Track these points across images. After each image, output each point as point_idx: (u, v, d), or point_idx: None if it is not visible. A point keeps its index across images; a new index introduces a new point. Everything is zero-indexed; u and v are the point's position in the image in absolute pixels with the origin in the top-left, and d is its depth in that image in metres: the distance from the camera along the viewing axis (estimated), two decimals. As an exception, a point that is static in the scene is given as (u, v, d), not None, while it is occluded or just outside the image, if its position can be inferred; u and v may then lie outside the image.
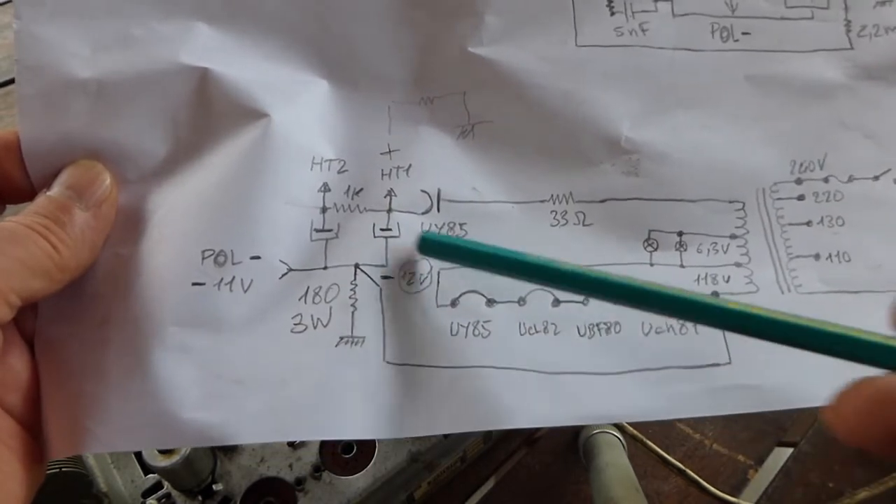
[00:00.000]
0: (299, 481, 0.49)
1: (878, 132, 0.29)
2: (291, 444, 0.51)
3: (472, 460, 0.61)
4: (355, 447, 0.51)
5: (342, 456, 0.51)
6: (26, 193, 0.26)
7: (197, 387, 0.25)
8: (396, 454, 0.52)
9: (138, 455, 0.48)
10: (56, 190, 0.25)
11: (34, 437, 0.25)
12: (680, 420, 0.65)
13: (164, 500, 0.47)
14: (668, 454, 0.55)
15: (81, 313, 0.26)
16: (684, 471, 0.54)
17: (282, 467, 0.50)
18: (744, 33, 0.29)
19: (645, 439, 0.56)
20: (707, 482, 0.54)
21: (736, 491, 0.60)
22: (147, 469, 0.48)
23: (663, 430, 0.64)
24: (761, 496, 0.60)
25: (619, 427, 0.57)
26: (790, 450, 0.63)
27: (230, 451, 0.50)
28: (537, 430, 0.65)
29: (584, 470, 0.60)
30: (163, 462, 0.44)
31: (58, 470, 0.44)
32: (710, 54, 0.29)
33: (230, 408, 0.25)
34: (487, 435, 0.60)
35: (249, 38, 0.28)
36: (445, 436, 0.53)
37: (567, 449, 0.64)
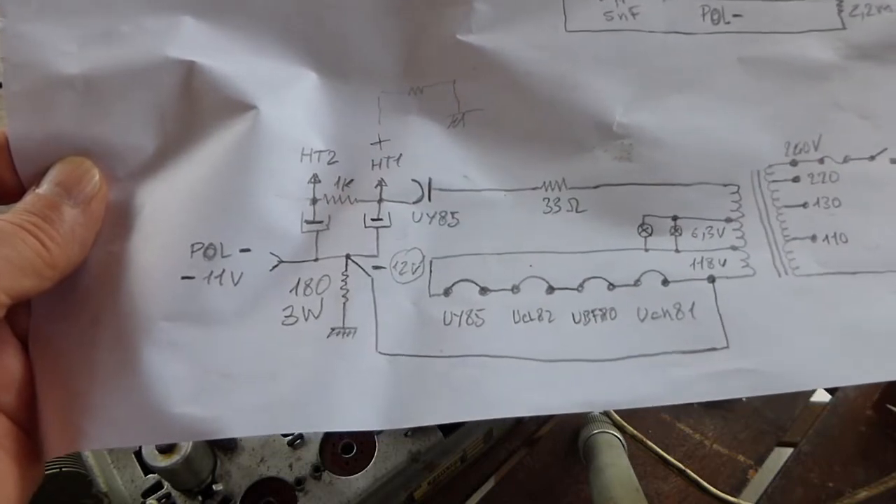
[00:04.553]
0: (299, 481, 0.49)
1: (873, 112, 0.29)
2: (291, 444, 0.51)
3: (472, 460, 0.61)
4: (355, 447, 0.51)
5: (342, 456, 0.51)
6: (17, 193, 0.26)
7: (188, 381, 0.25)
8: (396, 454, 0.52)
9: (138, 455, 0.48)
10: (45, 187, 0.25)
11: (30, 437, 0.25)
12: (680, 420, 0.65)
13: (164, 500, 0.48)
14: (668, 454, 0.54)
15: (74, 311, 0.26)
16: (684, 471, 0.54)
17: (282, 467, 0.50)
18: (735, 15, 0.29)
19: (645, 439, 0.55)
20: (707, 482, 0.53)
21: (736, 491, 0.60)
22: (147, 469, 0.48)
23: (663, 430, 0.64)
24: (761, 496, 0.59)
25: (619, 427, 0.57)
26: (790, 450, 0.63)
27: (230, 451, 0.50)
28: (538, 429, 0.65)
29: (584, 470, 0.60)
30: (163, 462, 0.44)
31: (58, 470, 0.44)
32: (701, 37, 0.29)
33: (221, 401, 0.25)
34: (487, 435, 0.60)
35: (237, 30, 0.28)
36: (445, 435, 0.53)
37: (567, 449, 0.64)
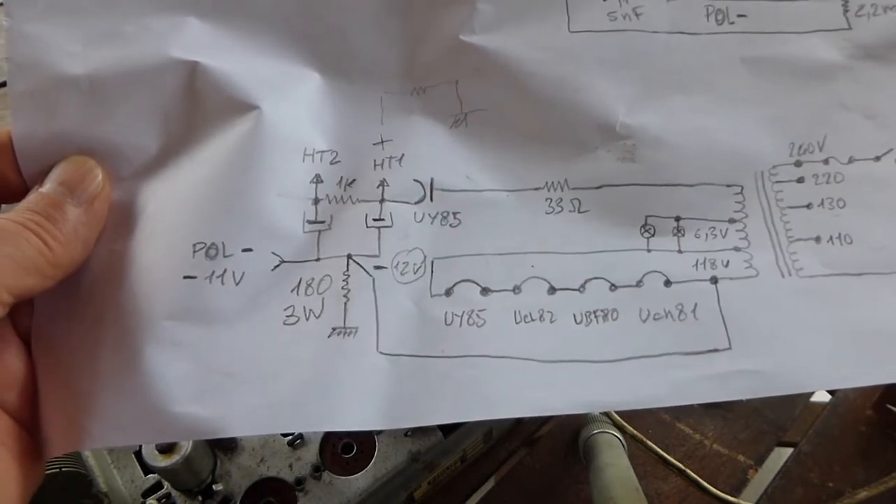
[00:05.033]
0: (299, 481, 0.49)
1: (879, 112, 0.29)
2: (291, 444, 0.51)
3: (472, 460, 0.61)
4: (355, 447, 0.51)
5: (342, 456, 0.51)
6: (20, 192, 0.25)
7: (189, 380, 0.25)
8: (396, 454, 0.51)
9: (138, 455, 0.48)
10: (48, 186, 0.25)
11: (31, 436, 0.25)
12: (680, 420, 0.65)
13: (164, 500, 0.48)
14: (668, 454, 0.54)
15: (77, 310, 0.26)
16: (684, 471, 0.54)
17: (282, 467, 0.50)
18: (739, 15, 0.29)
19: (645, 439, 0.55)
20: (707, 482, 0.53)
21: (736, 491, 0.60)
22: (147, 469, 0.48)
23: (663, 430, 0.64)
24: (761, 496, 0.59)
25: (619, 427, 0.57)
26: (790, 450, 0.63)
27: (230, 450, 0.50)
28: (538, 429, 0.65)
29: (584, 470, 0.60)
30: (163, 462, 0.44)
31: (58, 470, 0.44)
32: (705, 37, 0.29)
33: (222, 401, 0.25)
34: (487, 435, 0.60)
35: (241, 31, 0.28)
36: (445, 435, 0.53)
37: (567, 449, 0.64)
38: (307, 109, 0.28)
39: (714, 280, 0.28)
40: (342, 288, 0.27)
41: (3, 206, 0.27)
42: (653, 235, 0.29)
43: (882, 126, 0.29)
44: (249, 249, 0.26)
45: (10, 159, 0.25)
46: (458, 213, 0.29)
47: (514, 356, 0.27)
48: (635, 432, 0.55)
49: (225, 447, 0.50)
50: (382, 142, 0.29)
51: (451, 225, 0.29)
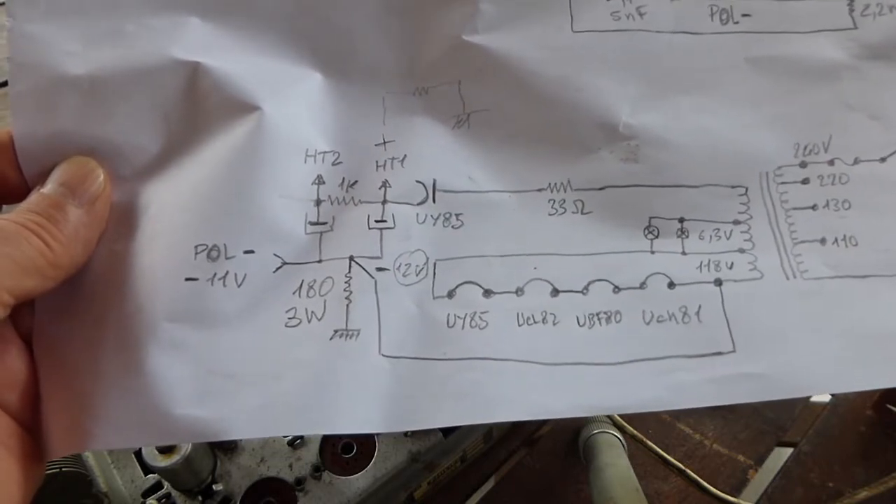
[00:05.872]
0: (299, 481, 0.49)
1: (884, 112, 0.29)
2: (291, 444, 0.51)
3: (472, 460, 0.61)
4: (355, 447, 0.51)
5: (342, 456, 0.51)
6: (21, 192, 0.25)
7: (190, 382, 0.25)
8: (396, 454, 0.51)
9: (138, 455, 0.48)
10: (49, 187, 0.25)
11: (33, 436, 0.25)
12: (680, 420, 0.65)
13: (164, 500, 0.47)
14: (668, 454, 0.55)
15: (78, 311, 0.26)
16: (684, 471, 0.54)
17: (282, 467, 0.50)
18: (744, 15, 0.29)
19: (645, 439, 0.55)
20: (707, 482, 0.53)
21: (736, 491, 0.60)
22: (147, 469, 0.48)
23: (663, 430, 0.64)
24: (761, 496, 0.60)
25: (619, 427, 0.57)
26: (790, 450, 0.63)
27: (230, 451, 0.50)
28: (538, 429, 0.65)
29: (584, 470, 0.60)
30: (163, 462, 0.44)
31: (58, 470, 0.44)
32: (709, 37, 0.29)
33: (224, 403, 0.25)
34: (487, 435, 0.60)
35: (242, 31, 0.28)
36: (445, 435, 0.53)
37: (567, 449, 0.64)
38: (309, 110, 0.28)
39: (718, 282, 0.28)
40: (344, 290, 0.27)
41: (4, 206, 0.26)
42: (656, 237, 0.29)
43: (887, 127, 0.29)
44: (251, 251, 0.26)
45: (12, 159, 0.25)
46: (461, 214, 0.29)
47: (516, 359, 0.27)
48: (635, 432, 0.55)
49: (225, 447, 0.50)
50: (384, 142, 0.29)
51: (453, 226, 0.28)
